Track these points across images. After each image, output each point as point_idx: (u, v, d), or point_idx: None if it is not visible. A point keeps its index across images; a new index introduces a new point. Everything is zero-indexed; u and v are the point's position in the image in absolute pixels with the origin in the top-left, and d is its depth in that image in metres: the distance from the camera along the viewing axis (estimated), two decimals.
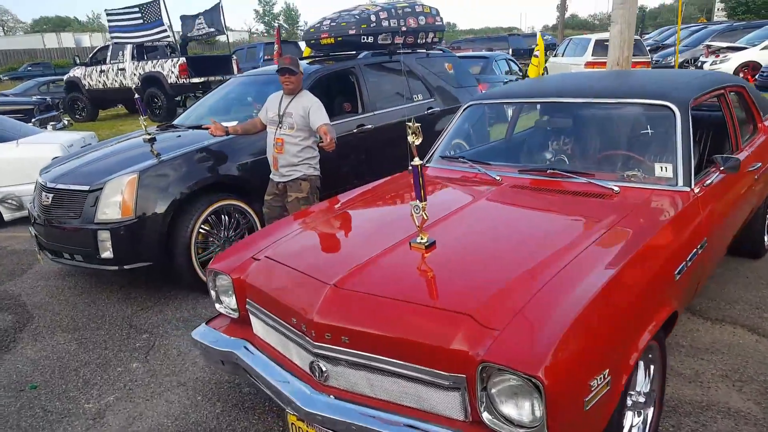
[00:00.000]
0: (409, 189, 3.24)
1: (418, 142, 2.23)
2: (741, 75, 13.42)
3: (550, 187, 2.85)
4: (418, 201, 2.26)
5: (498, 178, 3.01)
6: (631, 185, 2.72)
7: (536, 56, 6.90)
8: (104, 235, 3.84)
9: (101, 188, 3.89)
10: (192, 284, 4.15)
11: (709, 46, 15.80)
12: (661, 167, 2.76)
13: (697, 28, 21.02)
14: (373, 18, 5.67)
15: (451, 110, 6.14)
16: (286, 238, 2.65)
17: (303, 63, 6.19)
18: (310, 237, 2.68)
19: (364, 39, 5.65)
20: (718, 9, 39.72)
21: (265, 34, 65.82)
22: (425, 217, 2.26)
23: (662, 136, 2.87)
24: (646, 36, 25.19)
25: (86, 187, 3.95)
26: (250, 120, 4.29)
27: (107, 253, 3.88)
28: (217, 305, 2.70)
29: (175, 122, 5.37)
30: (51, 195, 4.14)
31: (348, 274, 2.15)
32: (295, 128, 3.81)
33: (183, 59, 14.05)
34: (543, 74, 6.33)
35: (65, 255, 4.14)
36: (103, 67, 15.47)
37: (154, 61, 14.55)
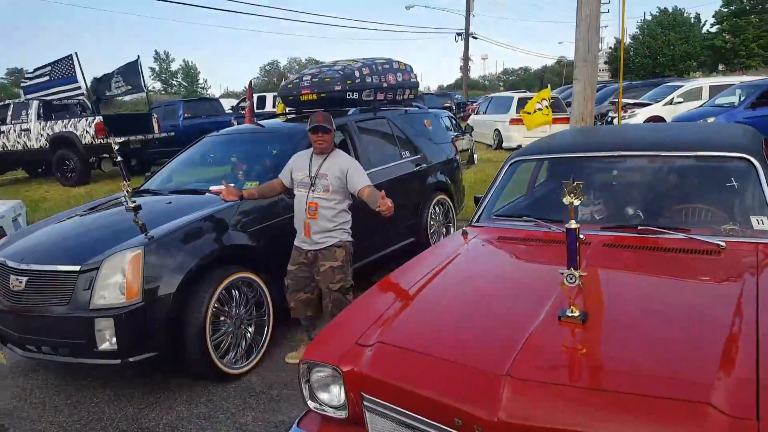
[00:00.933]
0: (488, 253, 2.98)
1: (577, 202, 1.98)
2: None
3: (645, 245, 2.69)
4: (572, 269, 2.00)
5: (582, 237, 2.81)
6: (732, 240, 2.62)
7: (539, 109, 6.98)
8: (104, 324, 3.21)
9: (97, 267, 3.28)
10: (205, 373, 3.57)
11: (615, 103, 17.10)
12: (758, 220, 2.70)
13: (599, 86, 22.83)
14: (357, 74, 5.49)
15: (435, 167, 6.02)
16: (391, 319, 2.26)
17: (277, 120, 5.86)
18: (423, 316, 2.32)
19: (349, 95, 5.43)
20: (600, 70, 43.71)
21: (162, 93, 64.17)
22: (581, 287, 2.00)
23: (744, 188, 2.84)
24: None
25: (76, 267, 3.31)
26: (267, 182, 3.86)
27: (106, 345, 3.23)
28: (310, 403, 2.23)
29: (149, 187, 4.78)
30: (25, 278, 3.44)
31: (517, 360, 1.82)
32: (330, 191, 3.44)
33: (100, 118, 13.10)
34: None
35: (44, 349, 3.42)
36: (2, 128, 14.11)
37: (65, 121, 13.45)
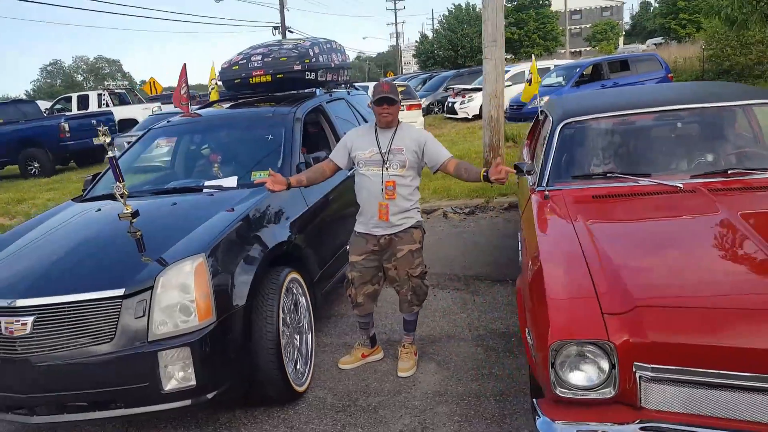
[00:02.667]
0: (613, 211, 2.96)
1: None
2: None
3: (749, 186, 2.87)
4: None
5: (680, 185, 2.92)
6: None
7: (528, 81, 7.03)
8: (172, 356, 2.51)
9: (150, 287, 2.55)
10: (279, 395, 3.02)
11: (452, 89, 18.22)
12: None
13: (425, 76, 24.17)
14: (311, 53, 5.04)
15: None
16: (617, 285, 2.10)
17: (207, 109, 5.20)
18: (650, 274, 2.19)
19: (307, 75, 4.98)
20: (407, 63, 46.29)
21: None
22: None
23: None
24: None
25: (119, 291, 2.54)
26: (313, 167, 3.34)
27: (173, 383, 2.54)
28: (559, 390, 1.99)
29: (103, 192, 3.88)
30: (29, 318, 2.55)
31: None
32: (406, 167, 3.09)
33: None
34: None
35: (72, 407, 2.59)
36: None
37: None
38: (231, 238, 2.90)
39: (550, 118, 3.77)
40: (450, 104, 17.56)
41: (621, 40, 55.43)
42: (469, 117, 16.52)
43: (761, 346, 1.77)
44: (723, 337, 1.82)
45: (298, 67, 4.89)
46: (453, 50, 38.70)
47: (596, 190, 3.12)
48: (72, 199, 3.95)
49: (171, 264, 2.63)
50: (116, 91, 17.88)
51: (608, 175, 3.20)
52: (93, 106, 16.82)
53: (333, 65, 5.41)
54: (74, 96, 17.82)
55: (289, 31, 34.97)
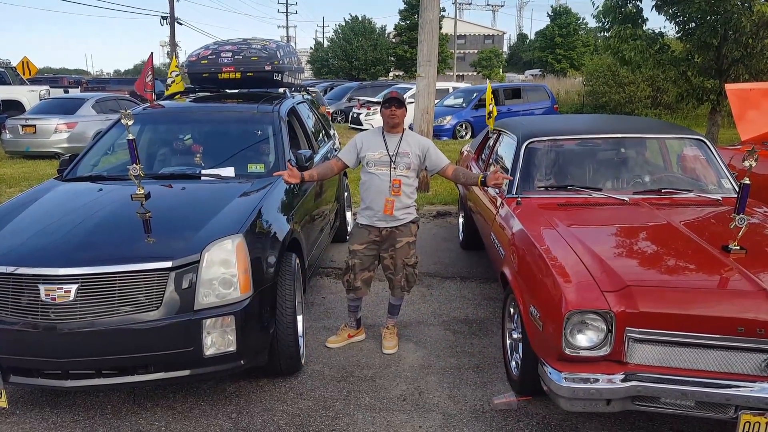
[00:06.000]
0: (582, 215, 3.55)
1: (754, 164, 2.74)
2: None
3: (676, 203, 3.63)
4: (742, 214, 2.77)
5: (627, 199, 3.65)
6: (716, 196, 3.75)
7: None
8: (217, 323, 2.75)
9: (195, 262, 2.76)
10: (290, 369, 3.30)
11: (358, 100, 18.79)
12: (722, 182, 3.90)
13: (326, 85, 24.48)
14: (278, 54, 5.33)
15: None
16: (610, 269, 2.69)
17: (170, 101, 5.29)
18: (631, 262, 2.83)
19: (275, 76, 5.25)
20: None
21: None
22: (747, 228, 2.79)
23: (705, 161, 4.03)
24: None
25: (167, 264, 2.71)
26: (324, 163, 3.66)
27: (213, 350, 2.77)
28: (568, 350, 2.53)
29: (85, 173, 3.93)
30: (73, 286, 2.64)
31: (760, 279, 2.51)
32: (410, 168, 3.51)
33: None
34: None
35: (108, 371, 2.71)
36: None
37: None
38: (257, 222, 3.15)
39: (511, 137, 4.39)
40: (355, 115, 18.09)
41: (501, 69, 59.70)
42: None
43: (720, 315, 2.42)
44: (693, 308, 2.46)
45: (268, 68, 5.15)
46: (347, 61, 39.50)
47: (559, 199, 3.76)
48: (54, 179, 3.93)
49: (214, 241, 2.84)
50: None
51: (568, 187, 3.86)
52: None
53: (293, 68, 5.71)
54: None
55: (178, 23, 33.75)
